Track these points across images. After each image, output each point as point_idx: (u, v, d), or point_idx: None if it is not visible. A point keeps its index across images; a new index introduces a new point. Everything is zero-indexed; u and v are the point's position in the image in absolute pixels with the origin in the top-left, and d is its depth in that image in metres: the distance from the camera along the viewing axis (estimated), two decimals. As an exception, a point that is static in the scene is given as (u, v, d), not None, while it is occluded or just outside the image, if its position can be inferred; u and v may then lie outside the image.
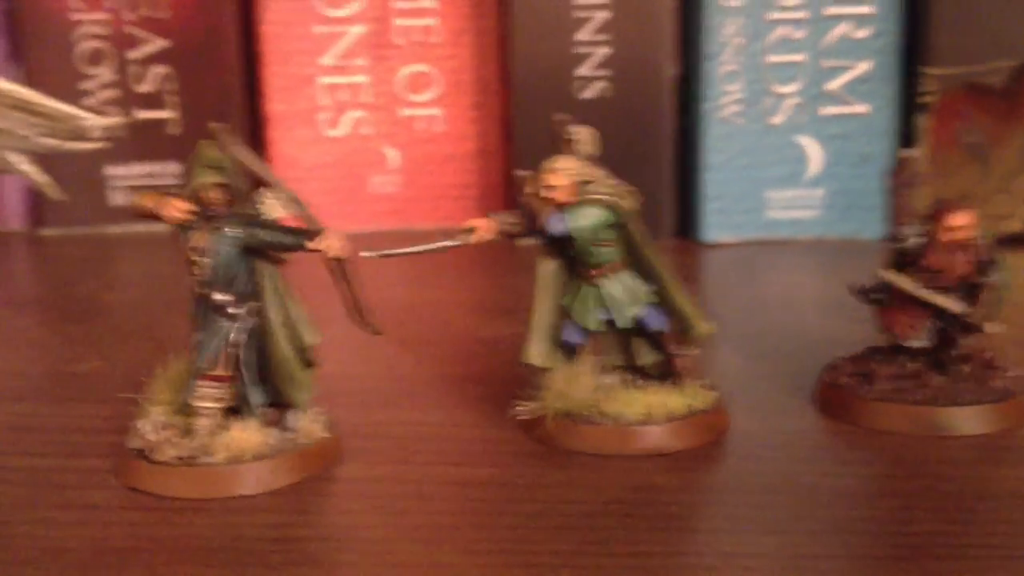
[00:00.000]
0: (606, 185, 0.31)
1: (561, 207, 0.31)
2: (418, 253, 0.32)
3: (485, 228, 0.31)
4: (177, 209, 0.30)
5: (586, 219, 0.31)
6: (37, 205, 0.66)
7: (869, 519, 0.28)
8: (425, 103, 0.62)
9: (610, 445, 0.31)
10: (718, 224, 0.58)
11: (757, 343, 0.41)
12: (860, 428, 0.33)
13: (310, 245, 0.29)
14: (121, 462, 0.31)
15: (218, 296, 0.30)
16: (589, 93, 0.58)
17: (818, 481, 0.30)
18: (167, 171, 0.64)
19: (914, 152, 0.33)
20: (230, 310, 0.30)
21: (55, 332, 0.45)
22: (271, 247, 0.30)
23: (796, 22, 0.56)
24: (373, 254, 0.31)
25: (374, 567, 0.26)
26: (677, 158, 0.58)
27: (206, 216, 0.30)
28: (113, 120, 0.54)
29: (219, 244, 0.30)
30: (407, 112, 0.62)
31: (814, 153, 0.57)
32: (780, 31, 0.56)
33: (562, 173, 0.31)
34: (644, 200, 0.32)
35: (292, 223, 0.30)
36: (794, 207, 0.58)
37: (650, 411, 0.31)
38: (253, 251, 0.30)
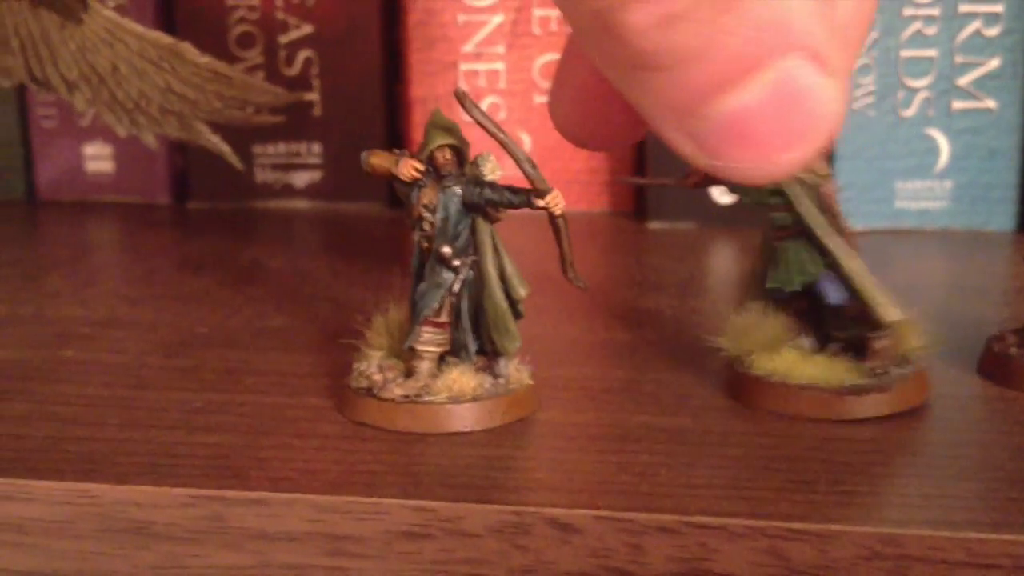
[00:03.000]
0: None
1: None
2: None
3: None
4: (412, 168, 0.32)
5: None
6: (184, 180, 0.69)
7: (1057, 471, 0.30)
8: (559, 91, 0.65)
9: (806, 409, 0.33)
10: (847, 212, 0.59)
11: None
12: (1028, 395, 0.35)
13: (539, 203, 0.32)
14: (345, 399, 0.34)
15: (444, 249, 0.32)
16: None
17: (1000, 439, 0.32)
18: (311, 151, 0.67)
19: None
20: (454, 262, 0.33)
21: (236, 292, 0.48)
22: (498, 205, 0.32)
23: (930, 18, 0.58)
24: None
25: (604, 495, 0.29)
26: (808, 148, 0.60)
27: (437, 175, 0.32)
28: (296, 95, 0.57)
29: (447, 201, 0.32)
30: (541, 99, 0.65)
31: (943, 146, 0.59)
32: (914, 27, 0.58)
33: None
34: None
35: (519, 183, 0.32)
36: (922, 198, 0.59)
37: (842, 381, 0.33)
38: (476, 208, 0.33)
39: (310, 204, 0.68)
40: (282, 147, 0.67)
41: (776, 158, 0.26)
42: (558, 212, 0.32)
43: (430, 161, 0.33)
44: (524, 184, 0.33)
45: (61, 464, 0.31)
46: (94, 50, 0.46)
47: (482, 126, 0.31)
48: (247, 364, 0.39)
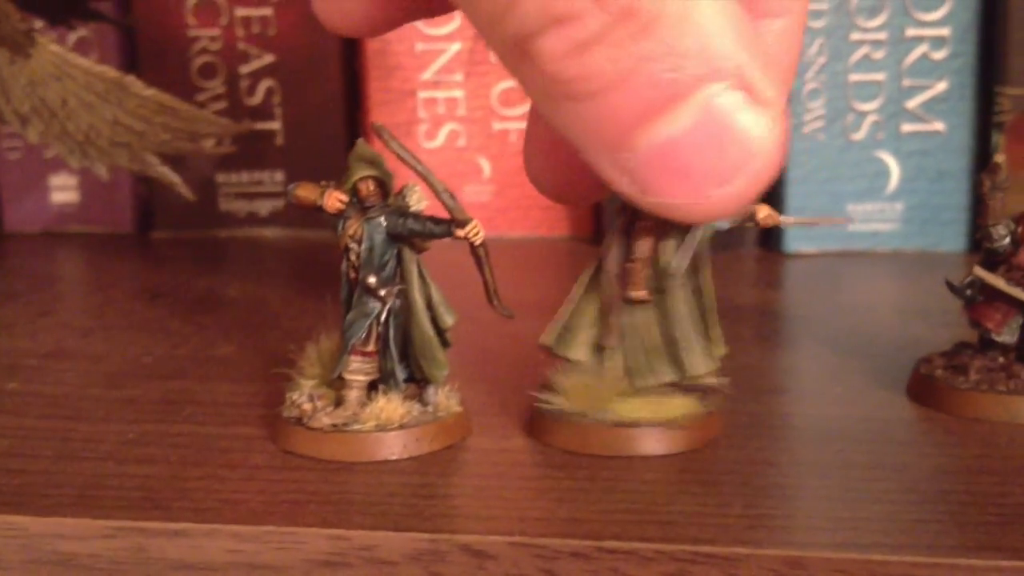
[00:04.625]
0: None
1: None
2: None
3: None
4: (337, 200, 0.33)
5: None
6: (149, 209, 0.70)
7: (968, 492, 0.30)
8: (517, 117, 0.66)
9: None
10: (799, 235, 0.60)
11: (847, 342, 0.44)
12: (952, 416, 0.35)
13: (459, 233, 0.32)
14: (277, 429, 0.34)
15: (370, 279, 0.33)
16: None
17: (917, 460, 0.32)
18: (274, 179, 0.68)
19: (1005, 158, 0.35)
20: (380, 292, 0.33)
21: (187, 322, 0.49)
22: (420, 235, 0.33)
23: (877, 43, 0.59)
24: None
25: (521, 521, 0.29)
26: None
27: (361, 207, 0.33)
28: (245, 126, 0.58)
29: (372, 232, 0.33)
30: (500, 125, 0.66)
31: (894, 168, 0.60)
32: (862, 51, 0.59)
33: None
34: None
35: (439, 213, 0.33)
36: (874, 220, 0.60)
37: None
38: (400, 238, 0.33)
39: (274, 232, 0.69)
40: (245, 176, 0.68)
41: (709, 193, 0.24)
42: (478, 242, 0.33)
43: (354, 192, 0.33)
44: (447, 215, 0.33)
45: (-9, 496, 0.31)
46: (44, 84, 0.47)
47: (401, 158, 0.31)
48: (187, 394, 0.39)
